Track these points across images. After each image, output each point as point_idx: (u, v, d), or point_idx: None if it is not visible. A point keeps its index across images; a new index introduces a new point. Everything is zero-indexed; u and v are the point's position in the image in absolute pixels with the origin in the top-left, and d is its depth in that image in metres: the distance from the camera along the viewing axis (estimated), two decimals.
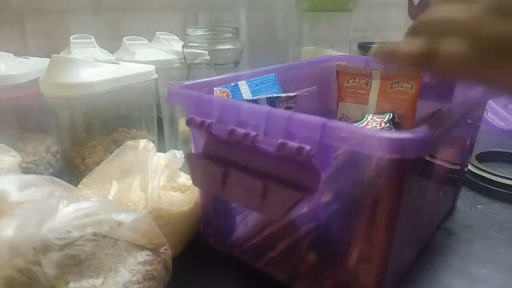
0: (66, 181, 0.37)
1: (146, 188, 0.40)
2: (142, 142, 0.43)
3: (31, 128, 0.58)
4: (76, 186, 0.40)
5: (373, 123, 0.46)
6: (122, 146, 0.43)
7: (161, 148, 0.61)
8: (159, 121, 0.62)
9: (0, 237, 0.27)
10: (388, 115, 0.48)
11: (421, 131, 0.25)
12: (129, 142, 0.43)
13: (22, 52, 0.78)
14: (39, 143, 0.57)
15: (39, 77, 0.49)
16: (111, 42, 0.82)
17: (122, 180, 0.41)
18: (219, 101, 0.33)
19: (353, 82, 0.53)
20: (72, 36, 0.74)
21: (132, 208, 0.38)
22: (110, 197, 0.39)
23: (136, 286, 0.30)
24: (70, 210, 0.30)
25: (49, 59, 0.49)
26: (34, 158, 0.55)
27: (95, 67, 0.50)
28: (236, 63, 0.59)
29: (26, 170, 0.53)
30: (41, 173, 0.55)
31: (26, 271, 0.27)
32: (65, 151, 0.53)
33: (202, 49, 0.56)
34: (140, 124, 0.59)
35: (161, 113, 0.61)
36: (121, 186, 0.41)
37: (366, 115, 0.49)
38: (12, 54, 0.56)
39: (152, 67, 0.57)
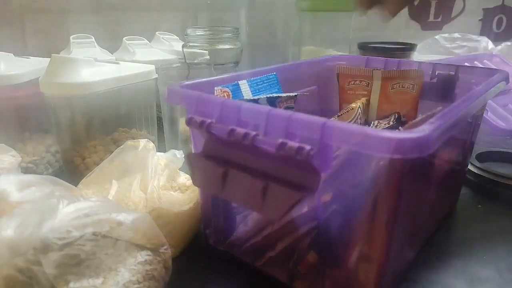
0: (66, 181, 0.37)
1: (146, 188, 0.40)
2: (142, 142, 0.43)
3: (31, 128, 0.58)
4: (76, 186, 0.40)
5: (380, 126, 0.46)
6: (122, 146, 0.43)
7: (161, 148, 0.61)
8: (159, 121, 0.62)
9: (0, 237, 0.27)
10: (393, 116, 0.48)
11: (421, 131, 0.25)
12: (129, 142, 0.43)
13: (22, 52, 0.78)
14: (39, 143, 0.57)
15: (39, 77, 0.49)
16: (111, 42, 0.82)
17: (122, 180, 0.41)
18: (219, 101, 0.33)
19: (353, 83, 0.53)
20: (72, 36, 0.74)
21: (132, 208, 0.38)
22: (110, 197, 0.39)
23: (136, 286, 0.30)
24: (70, 210, 0.30)
25: (49, 59, 0.49)
26: (34, 158, 0.55)
27: (95, 67, 0.50)
28: (236, 63, 0.59)
29: (26, 170, 0.53)
30: (41, 173, 0.55)
31: (26, 270, 0.27)
32: (65, 151, 0.53)
33: (202, 49, 0.56)
34: (140, 124, 0.59)
35: (161, 113, 0.61)
36: (121, 186, 0.41)
37: (372, 122, 0.49)
38: (12, 54, 0.56)
39: (152, 67, 0.57)
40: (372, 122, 0.48)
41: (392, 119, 0.47)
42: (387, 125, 0.46)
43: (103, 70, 0.51)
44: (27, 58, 0.59)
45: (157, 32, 0.82)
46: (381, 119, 0.49)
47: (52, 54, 0.50)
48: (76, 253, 0.28)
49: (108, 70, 0.51)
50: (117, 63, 0.55)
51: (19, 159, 0.47)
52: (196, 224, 0.42)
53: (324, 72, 0.56)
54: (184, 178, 0.45)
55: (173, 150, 0.45)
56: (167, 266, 0.34)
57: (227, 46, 0.57)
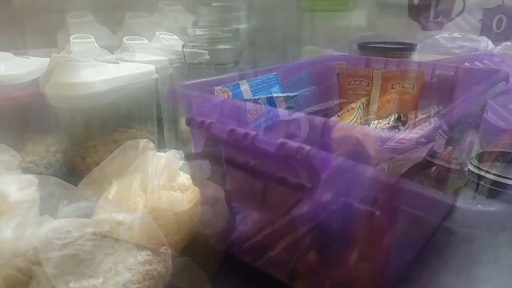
0: (66, 181, 0.37)
1: (146, 188, 0.40)
2: (142, 142, 0.43)
3: (31, 128, 0.58)
4: (76, 186, 0.40)
5: (380, 126, 0.46)
6: (122, 146, 0.43)
7: (161, 148, 0.61)
8: (159, 120, 0.62)
9: (0, 237, 0.27)
10: (393, 115, 0.48)
11: (420, 131, 0.25)
12: (129, 142, 0.43)
13: (21, 51, 0.78)
14: (39, 143, 0.57)
15: (39, 77, 0.49)
16: (111, 42, 0.82)
17: (122, 180, 0.41)
18: (219, 101, 0.33)
19: (353, 83, 0.53)
20: (72, 36, 0.74)
21: (132, 208, 0.38)
22: (110, 197, 0.39)
23: (136, 285, 0.30)
24: (70, 210, 0.30)
25: (49, 59, 0.49)
26: (34, 158, 0.55)
27: (95, 67, 0.50)
28: (236, 63, 0.59)
29: (26, 170, 0.53)
30: (41, 173, 0.55)
31: (26, 270, 0.27)
32: (65, 151, 0.53)
33: (202, 49, 0.56)
34: (140, 124, 0.59)
35: (161, 112, 0.61)
36: (121, 186, 0.41)
37: (372, 122, 0.49)
38: (12, 54, 0.56)
39: (152, 67, 0.57)
40: (372, 122, 0.48)
41: (392, 119, 0.47)
42: (387, 125, 0.46)
43: (103, 70, 0.51)
44: (27, 58, 0.58)
45: (157, 32, 0.82)
46: (381, 119, 0.49)
47: (52, 54, 0.50)
48: (76, 253, 0.28)
49: (108, 70, 0.51)
50: (117, 63, 0.55)
51: (19, 159, 0.47)
52: (196, 224, 0.42)
53: (324, 72, 0.56)
54: (184, 178, 0.45)
55: (173, 150, 0.45)
56: (167, 266, 0.34)
57: (227, 46, 0.57)
